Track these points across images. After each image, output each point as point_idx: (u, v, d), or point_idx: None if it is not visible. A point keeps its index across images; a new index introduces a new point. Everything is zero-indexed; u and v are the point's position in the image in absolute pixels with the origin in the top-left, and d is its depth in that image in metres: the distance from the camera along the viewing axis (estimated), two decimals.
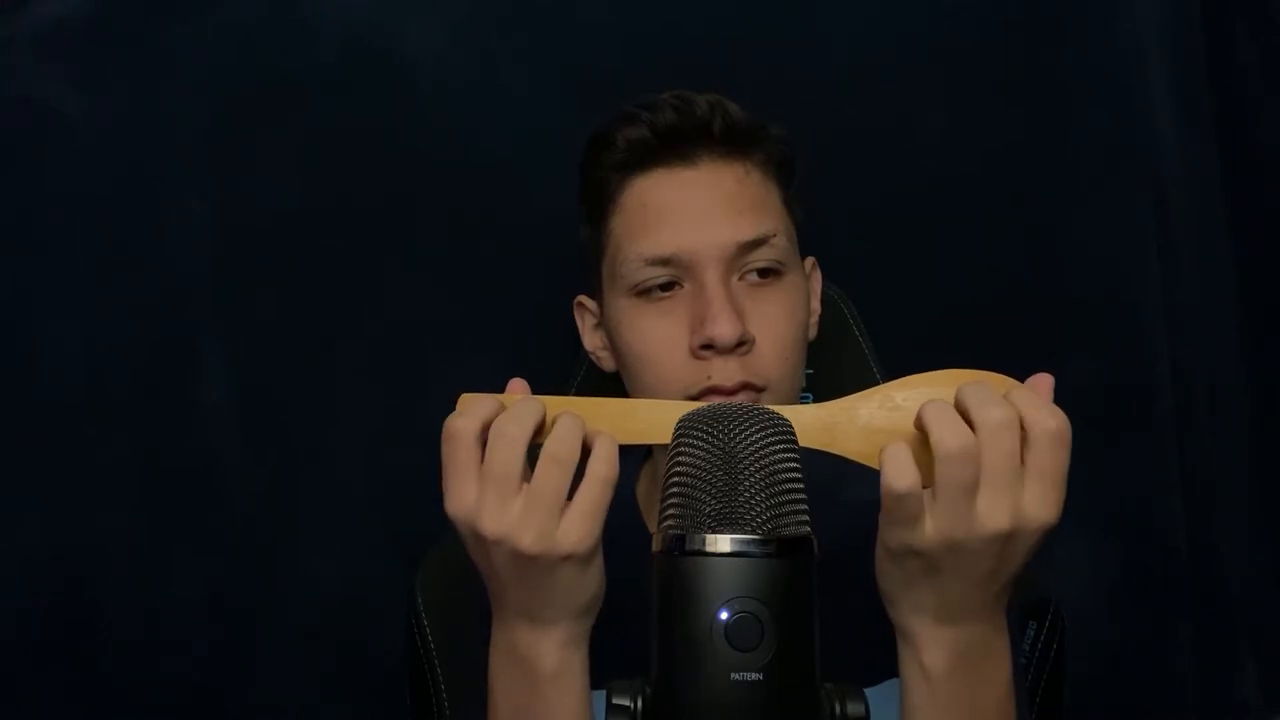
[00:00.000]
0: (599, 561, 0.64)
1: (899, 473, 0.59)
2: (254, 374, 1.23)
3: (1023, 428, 0.60)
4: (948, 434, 0.59)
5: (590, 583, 0.64)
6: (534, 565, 0.62)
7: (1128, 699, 1.28)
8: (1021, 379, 0.64)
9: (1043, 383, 0.63)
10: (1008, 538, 0.60)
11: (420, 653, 0.95)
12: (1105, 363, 1.27)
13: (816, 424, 0.65)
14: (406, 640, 0.97)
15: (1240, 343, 1.28)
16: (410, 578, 0.97)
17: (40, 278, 1.22)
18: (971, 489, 0.59)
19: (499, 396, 0.65)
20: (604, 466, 0.62)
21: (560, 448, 0.62)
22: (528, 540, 0.61)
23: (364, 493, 1.24)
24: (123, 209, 1.22)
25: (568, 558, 0.62)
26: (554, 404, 0.65)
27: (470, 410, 0.64)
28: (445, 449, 0.63)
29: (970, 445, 0.59)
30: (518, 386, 0.67)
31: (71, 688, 1.21)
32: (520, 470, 0.62)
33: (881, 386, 0.66)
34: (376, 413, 1.24)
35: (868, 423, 0.65)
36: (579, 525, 0.62)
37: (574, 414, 0.64)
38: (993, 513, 0.59)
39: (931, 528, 0.59)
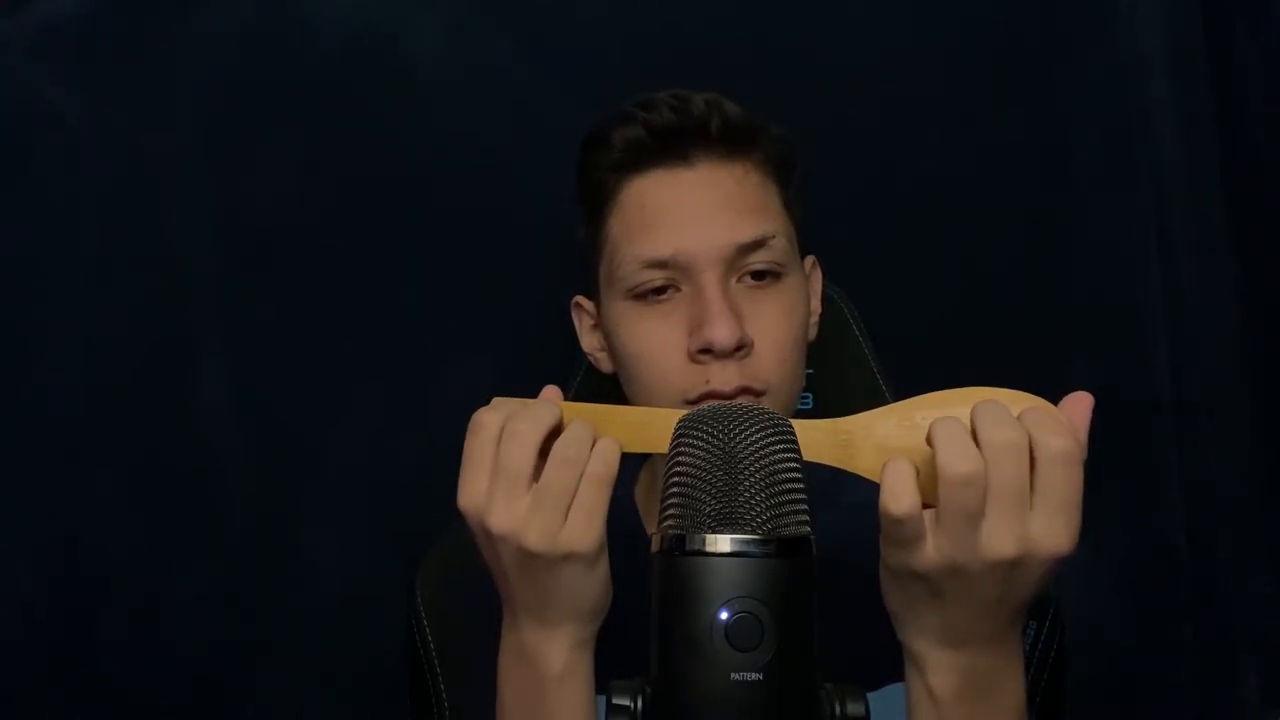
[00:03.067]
0: (604, 565, 0.64)
1: (897, 495, 0.57)
2: (254, 374, 1.23)
3: (1031, 450, 0.56)
4: (954, 456, 0.56)
5: (595, 585, 0.64)
6: (538, 563, 0.62)
7: (1128, 699, 1.28)
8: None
9: (1079, 402, 0.60)
10: (1013, 564, 0.57)
11: (420, 653, 0.95)
12: (1105, 362, 1.27)
13: (832, 440, 0.63)
14: (406, 640, 0.97)
15: (1240, 344, 1.27)
16: (410, 578, 0.97)
17: (40, 278, 1.22)
18: (976, 514, 0.56)
19: (529, 401, 0.66)
20: (600, 467, 0.63)
21: (570, 448, 0.63)
22: (532, 538, 0.62)
23: (364, 493, 1.24)
24: (123, 209, 1.22)
25: (569, 556, 0.62)
26: (573, 411, 0.65)
27: (499, 406, 0.65)
28: (468, 440, 0.64)
29: (977, 470, 0.56)
30: (551, 394, 0.67)
31: (71, 687, 1.21)
32: (530, 469, 0.62)
33: (901, 404, 0.64)
34: (376, 412, 1.24)
35: (884, 441, 0.63)
36: (578, 524, 0.62)
37: (585, 419, 0.64)
38: (998, 538, 0.56)
39: (933, 550, 0.57)
